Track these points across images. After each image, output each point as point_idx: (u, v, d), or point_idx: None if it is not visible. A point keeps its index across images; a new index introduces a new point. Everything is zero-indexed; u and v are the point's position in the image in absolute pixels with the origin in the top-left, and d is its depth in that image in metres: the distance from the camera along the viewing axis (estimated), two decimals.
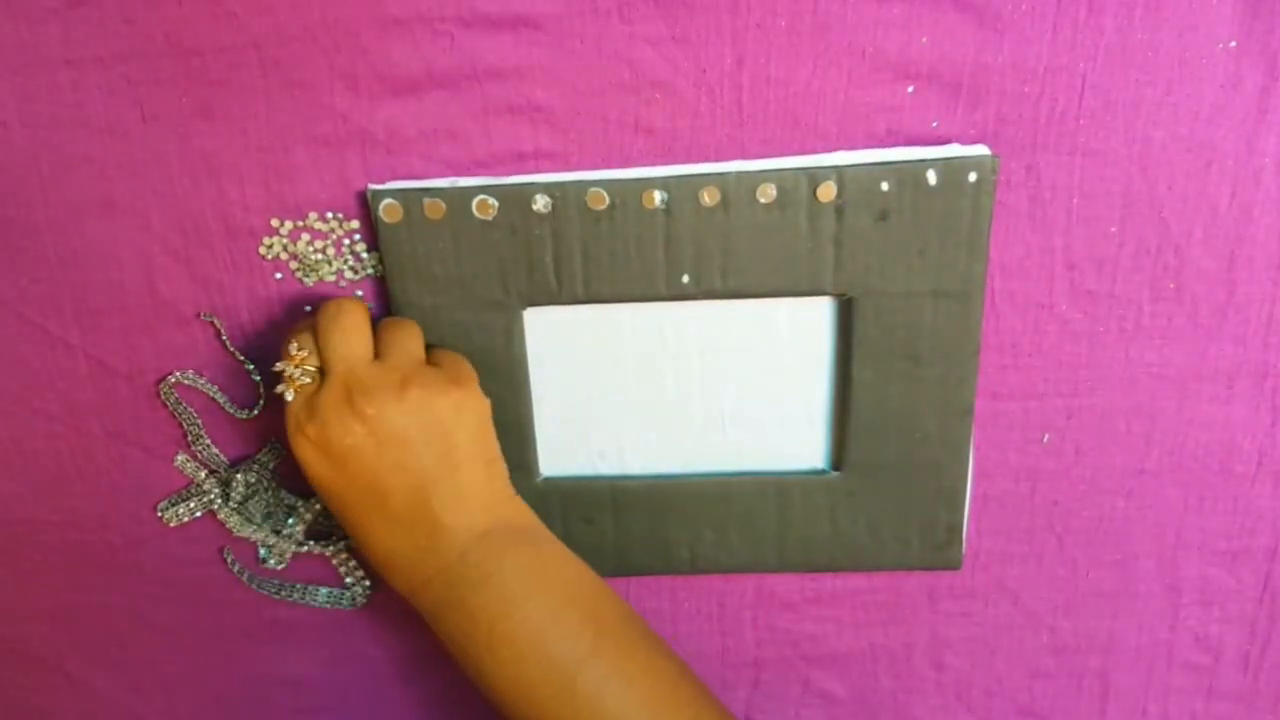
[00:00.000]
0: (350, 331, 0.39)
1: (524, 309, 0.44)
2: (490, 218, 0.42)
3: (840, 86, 0.41)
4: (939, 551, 0.48)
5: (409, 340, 0.41)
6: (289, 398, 0.39)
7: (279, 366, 0.40)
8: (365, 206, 0.43)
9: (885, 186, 0.41)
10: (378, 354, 0.40)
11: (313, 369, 0.39)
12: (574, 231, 0.42)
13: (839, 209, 0.41)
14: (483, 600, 0.39)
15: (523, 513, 0.42)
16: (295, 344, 0.40)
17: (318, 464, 0.38)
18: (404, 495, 0.38)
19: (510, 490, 0.42)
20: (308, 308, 0.45)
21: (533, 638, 0.38)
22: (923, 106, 0.41)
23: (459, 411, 0.39)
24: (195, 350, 0.47)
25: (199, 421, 0.48)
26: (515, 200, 0.42)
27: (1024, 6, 0.39)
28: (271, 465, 0.48)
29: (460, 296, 0.44)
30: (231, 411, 0.48)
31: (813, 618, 0.52)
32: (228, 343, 0.46)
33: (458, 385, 0.40)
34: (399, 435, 0.38)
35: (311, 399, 0.38)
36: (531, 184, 0.42)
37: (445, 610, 0.40)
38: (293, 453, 0.39)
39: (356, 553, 0.51)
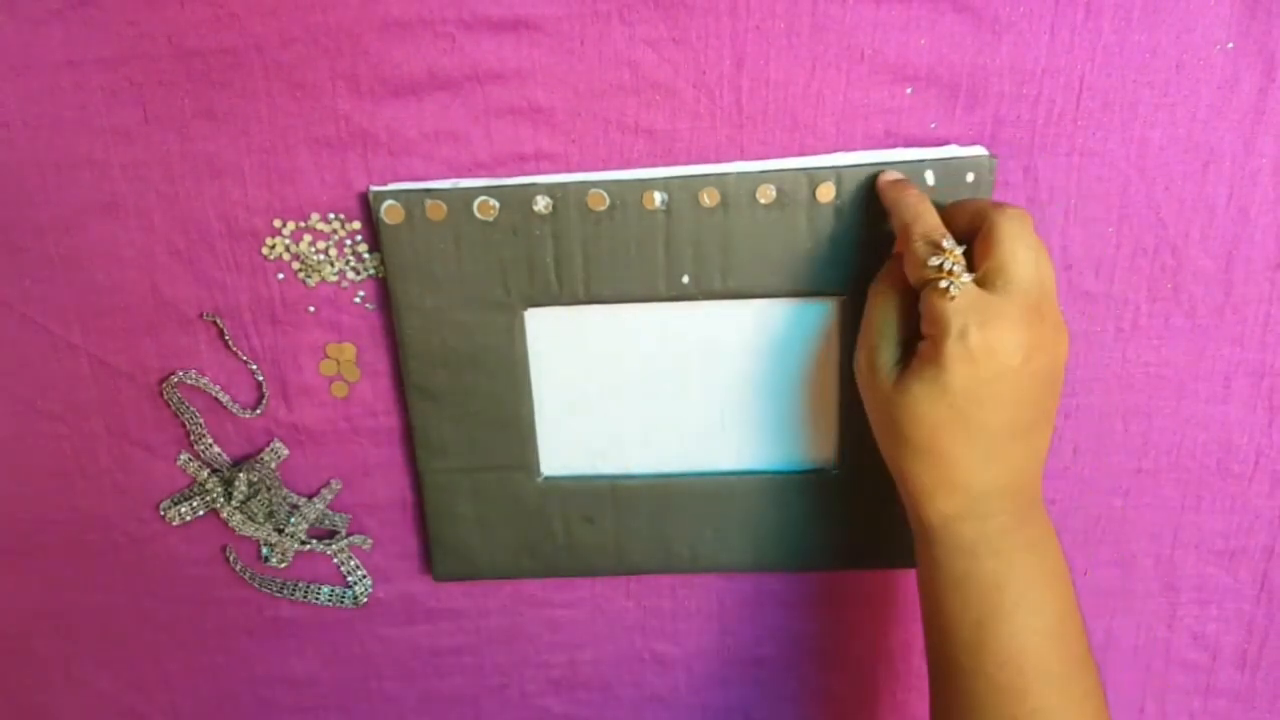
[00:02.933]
0: (1043, 253, 0.36)
1: (525, 309, 0.44)
2: (491, 219, 0.42)
3: (839, 88, 0.41)
4: None
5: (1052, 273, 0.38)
6: (953, 293, 0.35)
7: (936, 260, 0.35)
8: (367, 207, 0.43)
9: None
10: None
11: (968, 271, 0.36)
12: (574, 232, 0.42)
13: (838, 209, 0.41)
14: (1026, 561, 0.38)
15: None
16: (949, 240, 0.36)
17: (960, 373, 0.35)
18: (1011, 432, 0.37)
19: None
20: (311, 308, 0.46)
21: (1046, 619, 0.38)
22: (921, 108, 0.41)
23: (1063, 365, 0.38)
24: (198, 350, 0.47)
25: (201, 421, 0.48)
26: (516, 201, 0.42)
27: (1022, 8, 0.39)
28: (274, 465, 0.49)
29: (461, 297, 0.44)
30: (234, 411, 0.48)
31: (812, 617, 0.52)
32: (230, 343, 0.46)
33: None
34: (1045, 374, 0.36)
35: (983, 306, 0.35)
36: (532, 185, 0.42)
37: (987, 550, 0.38)
38: (933, 349, 0.36)
39: (359, 551, 0.51)
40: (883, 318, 0.39)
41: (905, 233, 0.38)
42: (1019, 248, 0.35)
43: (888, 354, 0.39)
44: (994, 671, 0.38)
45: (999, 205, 0.37)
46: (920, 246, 0.36)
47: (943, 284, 0.35)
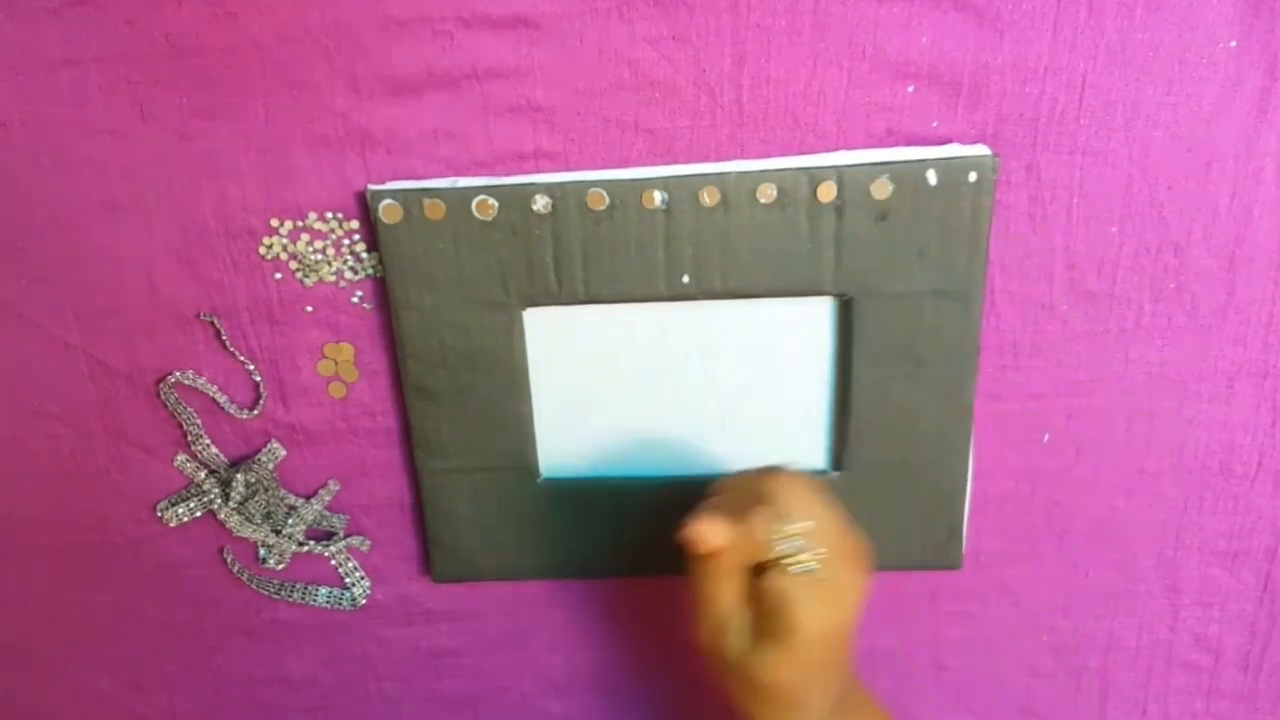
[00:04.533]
0: (828, 506, 0.38)
1: (524, 309, 0.44)
2: (490, 218, 0.42)
3: (840, 86, 0.41)
4: (939, 551, 0.48)
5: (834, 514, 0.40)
6: (814, 567, 0.37)
7: (788, 548, 0.37)
8: (365, 207, 0.43)
9: (885, 186, 0.41)
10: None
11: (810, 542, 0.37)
12: (574, 232, 0.42)
13: (839, 209, 0.41)
14: None
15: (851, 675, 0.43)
16: (796, 522, 0.37)
17: (809, 636, 0.37)
18: (839, 650, 0.40)
19: None
20: (309, 308, 0.45)
21: None
22: (923, 106, 0.41)
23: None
24: (195, 350, 0.47)
25: (199, 421, 0.48)
26: (515, 200, 0.42)
27: (1024, 7, 0.39)
28: (271, 465, 0.48)
29: (460, 297, 0.44)
30: (231, 412, 0.48)
31: None
32: (228, 343, 0.46)
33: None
34: (857, 606, 0.39)
35: (824, 570, 0.37)
36: (532, 184, 0.42)
37: None
38: (797, 624, 0.37)
39: (357, 552, 0.51)
40: (724, 603, 0.39)
41: (747, 520, 0.37)
42: (812, 513, 0.37)
43: (734, 633, 0.39)
44: None
45: (768, 475, 0.38)
46: (768, 527, 0.37)
47: (794, 569, 0.36)
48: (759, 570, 0.38)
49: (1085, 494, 0.48)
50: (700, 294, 0.43)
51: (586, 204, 0.42)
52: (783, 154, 0.42)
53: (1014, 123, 0.41)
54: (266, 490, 0.49)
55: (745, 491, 0.39)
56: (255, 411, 0.48)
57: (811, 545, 0.37)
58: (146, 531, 0.51)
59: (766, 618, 0.38)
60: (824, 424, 0.47)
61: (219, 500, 0.49)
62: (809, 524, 0.37)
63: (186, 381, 0.47)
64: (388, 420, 0.48)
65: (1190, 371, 0.45)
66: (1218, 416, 0.46)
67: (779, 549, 0.37)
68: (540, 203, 0.42)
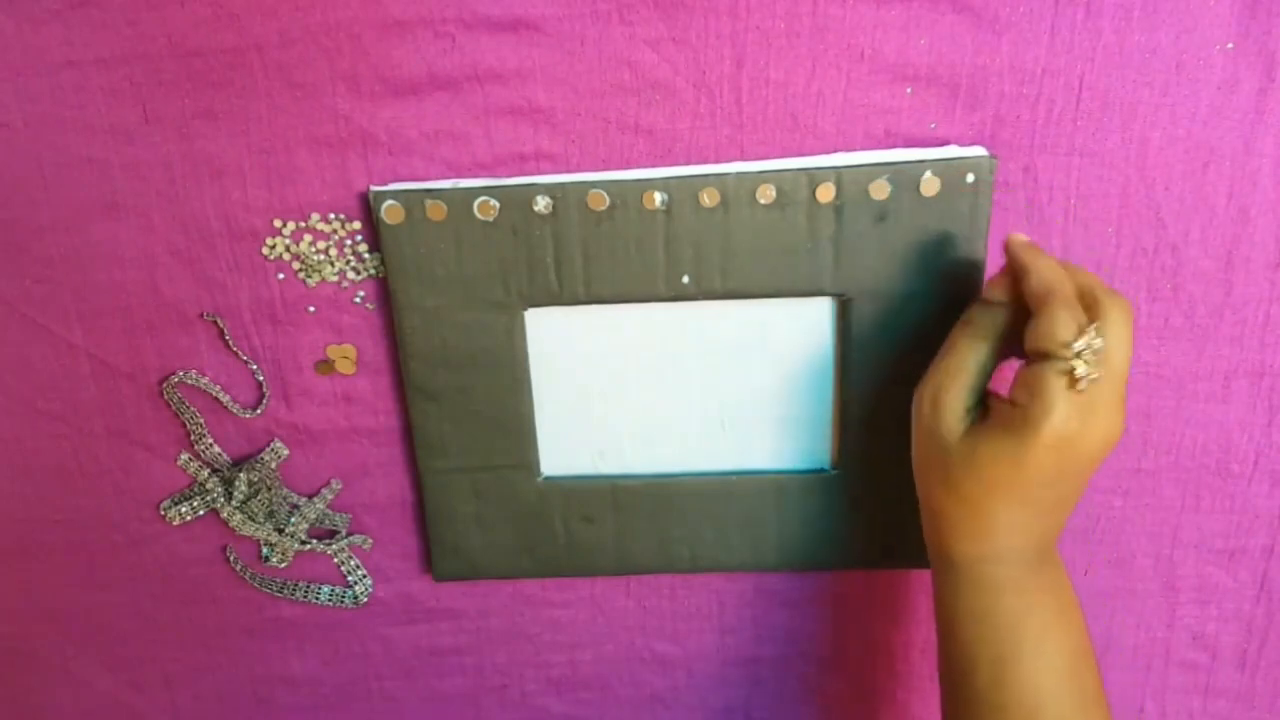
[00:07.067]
0: (1131, 337, 0.36)
1: (525, 309, 0.44)
2: (491, 219, 0.42)
3: (839, 88, 0.41)
4: None
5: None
6: (1084, 385, 0.34)
7: (1081, 344, 0.34)
8: (367, 207, 0.44)
9: (884, 187, 0.41)
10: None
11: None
12: (575, 232, 0.42)
13: (838, 209, 0.41)
14: (1044, 601, 0.39)
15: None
16: (1094, 329, 0.35)
17: (1042, 458, 0.35)
18: (1055, 502, 0.38)
19: None
20: (311, 308, 0.46)
21: (1064, 657, 0.39)
22: (921, 108, 0.41)
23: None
24: (198, 350, 0.47)
25: (202, 421, 0.48)
26: (516, 201, 0.42)
27: (1022, 8, 0.39)
28: (274, 464, 0.49)
29: (462, 297, 0.44)
30: (234, 411, 0.48)
31: (812, 616, 0.52)
32: (230, 342, 0.46)
33: None
34: (1103, 455, 0.37)
35: (1089, 392, 0.35)
36: (532, 185, 0.42)
37: (1011, 589, 0.39)
38: (1022, 423, 0.35)
39: (359, 551, 0.51)
40: (963, 364, 0.38)
41: (1045, 297, 0.36)
42: (1126, 336, 0.35)
43: (959, 402, 0.38)
44: (1013, 707, 0.38)
45: (1111, 291, 0.36)
46: (1062, 318, 0.35)
47: (1078, 370, 0.34)
48: (1027, 357, 0.36)
49: (1083, 493, 0.48)
50: (700, 294, 0.43)
51: (587, 205, 0.42)
52: (782, 155, 0.42)
53: (1011, 124, 0.41)
54: (269, 489, 0.49)
55: (1078, 283, 0.37)
56: (258, 411, 0.48)
57: (1094, 365, 0.34)
58: (149, 530, 0.51)
59: (1012, 405, 0.36)
60: (824, 424, 0.47)
61: (222, 499, 0.49)
62: (1101, 344, 0.34)
63: (189, 381, 0.47)
64: (390, 420, 0.48)
65: (1187, 371, 0.45)
66: (1215, 416, 0.46)
67: (1069, 344, 0.34)
68: (541, 203, 0.42)
